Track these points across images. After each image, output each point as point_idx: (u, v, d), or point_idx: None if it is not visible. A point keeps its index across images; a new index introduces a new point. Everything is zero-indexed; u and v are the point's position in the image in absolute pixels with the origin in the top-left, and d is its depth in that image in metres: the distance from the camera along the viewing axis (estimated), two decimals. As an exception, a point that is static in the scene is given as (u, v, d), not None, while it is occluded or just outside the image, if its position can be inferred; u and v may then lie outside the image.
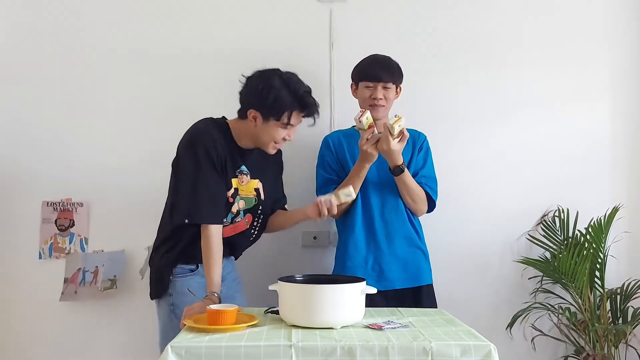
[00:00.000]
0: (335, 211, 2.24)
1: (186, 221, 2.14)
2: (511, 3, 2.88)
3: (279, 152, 2.39)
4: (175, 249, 2.23)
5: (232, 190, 2.24)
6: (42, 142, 2.83)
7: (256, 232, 2.38)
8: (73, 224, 2.81)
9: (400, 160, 2.31)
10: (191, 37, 2.84)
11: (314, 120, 2.26)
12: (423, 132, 2.55)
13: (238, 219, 2.29)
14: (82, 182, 2.82)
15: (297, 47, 2.78)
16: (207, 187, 2.15)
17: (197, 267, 2.24)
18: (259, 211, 2.34)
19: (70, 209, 2.81)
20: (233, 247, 2.35)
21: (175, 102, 2.84)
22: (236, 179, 2.26)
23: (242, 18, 2.83)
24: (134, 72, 2.84)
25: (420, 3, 2.87)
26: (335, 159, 2.52)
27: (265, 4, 2.84)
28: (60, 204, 2.81)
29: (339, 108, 2.82)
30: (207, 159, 2.15)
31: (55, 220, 2.80)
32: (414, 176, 2.43)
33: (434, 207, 2.49)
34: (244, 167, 2.28)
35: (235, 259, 2.45)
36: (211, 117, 2.31)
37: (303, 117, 2.23)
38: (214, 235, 2.13)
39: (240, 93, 2.25)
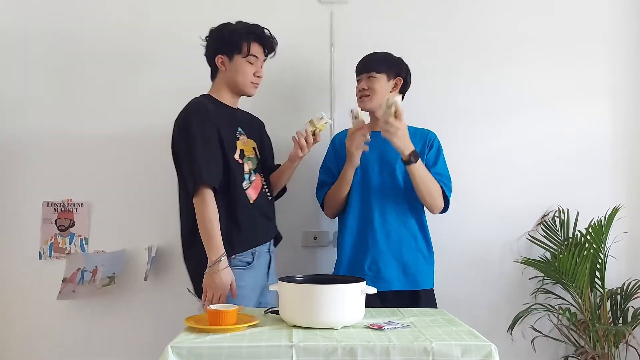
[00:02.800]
0: (311, 139, 2.32)
1: (200, 186, 2.16)
2: (511, 3, 2.88)
3: (262, 125, 2.53)
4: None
5: (238, 152, 2.29)
6: (42, 142, 2.83)
7: (268, 190, 2.43)
8: (73, 224, 2.81)
9: (410, 146, 2.27)
10: (192, 37, 2.83)
11: (274, 52, 2.41)
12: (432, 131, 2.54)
13: (253, 178, 2.34)
14: (82, 183, 2.82)
15: (297, 47, 2.78)
16: (203, 152, 2.19)
17: (253, 259, 2.27)
18: (260, 171, 2.41)
19: (71, 209, 2.81)
20: (268, 216, 2.39)
21: (176, 101, 2.83)
22: (239, 141, 2.32)
23: (242, 18, 2.82)
24: (134, 72, 2.85)
25: (420, 3, 2.87)
26: (336, 160, 2.52)
27: (265, 5, 2.85)
28: (61, 204, 2.81)
29: (340, 108, 2.82)
30: (199, 126, 2.22)
31: (56, 221, 2.80)
32: None
33: (448, 205, 2.44)
34: (240, 129, 2.35)
35: (275, 245, 2.47)
36: (195, 97, 2.37)
37: (265, 53, 2.38)
38: (209, 198, 2.16)
39: (205, 54, 2.39)
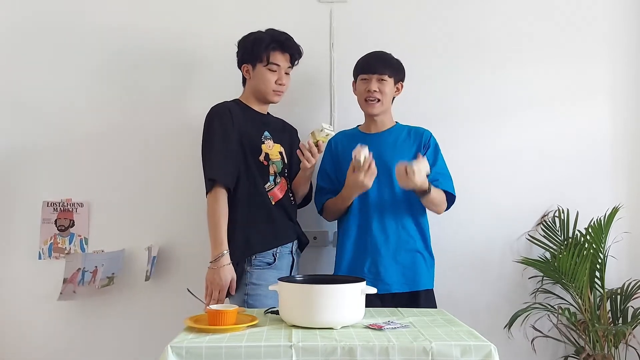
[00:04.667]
0: (316, 150, 2.29)
1: (215, 180, 2.25)
2: (511, 3, 2.88)
3: (295, 132, 2.56)
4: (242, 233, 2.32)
5: (263, 155, 2.38)
6: (42, 142, 2.82)
7: (292, 195, 2.48)
8: (73, 224, 2.80)
9: (424, 185, 2.27)
10: (191, 37, 2.84)
11: (298, 59, 2.49)
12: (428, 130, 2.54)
13: (278, 180, 2.40)
14: (82, 182, 2.82)
15: (297, 47, 2.78)
16: (220, 153, 2.28)
17: (274, 260, 2.33)
18: (286, 174, 2.45)
19: (71, 209, 2.80)
20: (291, 218, 2.44)
21: (175, 101, 2.84)
22: (264, 144, 2.38)
23: (242, 18, 2.82)
24: (133, 72, 2.84)
25: (420, 3, 2.87)
26: (333, 163, 2.52)
27: (265, 4, 2.85)
28: (61, 204, 2.80)
29: (339, 108, 2.82)
30: (220, 126, 2.29)
31: (55, 221, 2.80)
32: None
33: (453, 201, 2.48)
34: (267, 133, 2.40)
35: (302, 250, 2.52)
36: (224, 101, 2.44)
37: (291, 61, 2.45)
38: (221, 197, 2.25)
39: (237, 63, 2.49)
